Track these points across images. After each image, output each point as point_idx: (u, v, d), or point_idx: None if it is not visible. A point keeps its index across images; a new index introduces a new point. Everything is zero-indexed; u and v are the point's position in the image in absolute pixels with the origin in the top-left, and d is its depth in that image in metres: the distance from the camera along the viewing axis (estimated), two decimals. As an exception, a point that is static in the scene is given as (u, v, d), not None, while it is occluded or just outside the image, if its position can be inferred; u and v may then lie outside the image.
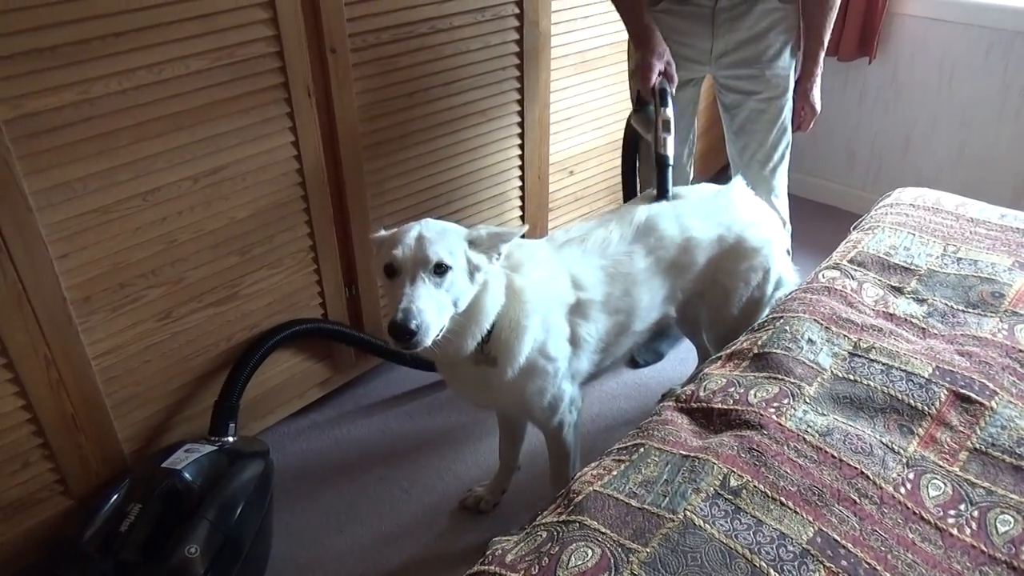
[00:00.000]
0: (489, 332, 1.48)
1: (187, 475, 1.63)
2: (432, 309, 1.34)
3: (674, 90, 1.89)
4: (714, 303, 1.87)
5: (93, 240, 1.59)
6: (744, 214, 1.82)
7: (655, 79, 1.85)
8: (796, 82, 2.07)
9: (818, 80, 2.06)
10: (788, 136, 2.15)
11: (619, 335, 1.70)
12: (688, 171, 2.33)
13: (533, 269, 1.55)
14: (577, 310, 1.60)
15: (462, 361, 1.51)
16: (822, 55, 2.03)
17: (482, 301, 1.45)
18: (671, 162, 1.78)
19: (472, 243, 1.44)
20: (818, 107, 2.08)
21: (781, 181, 2.24)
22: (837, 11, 2.00)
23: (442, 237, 1.39)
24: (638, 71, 1.90)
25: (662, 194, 1.80)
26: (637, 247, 1.67)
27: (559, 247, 1.65)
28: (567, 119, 2.54)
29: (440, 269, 1.36)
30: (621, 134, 2.38)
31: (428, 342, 1.34)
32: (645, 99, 1.88)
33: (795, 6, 1.99)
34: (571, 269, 1.60)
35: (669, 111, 1.81)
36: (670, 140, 1.79)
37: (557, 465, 1.77)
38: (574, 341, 1.61)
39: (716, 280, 1.82)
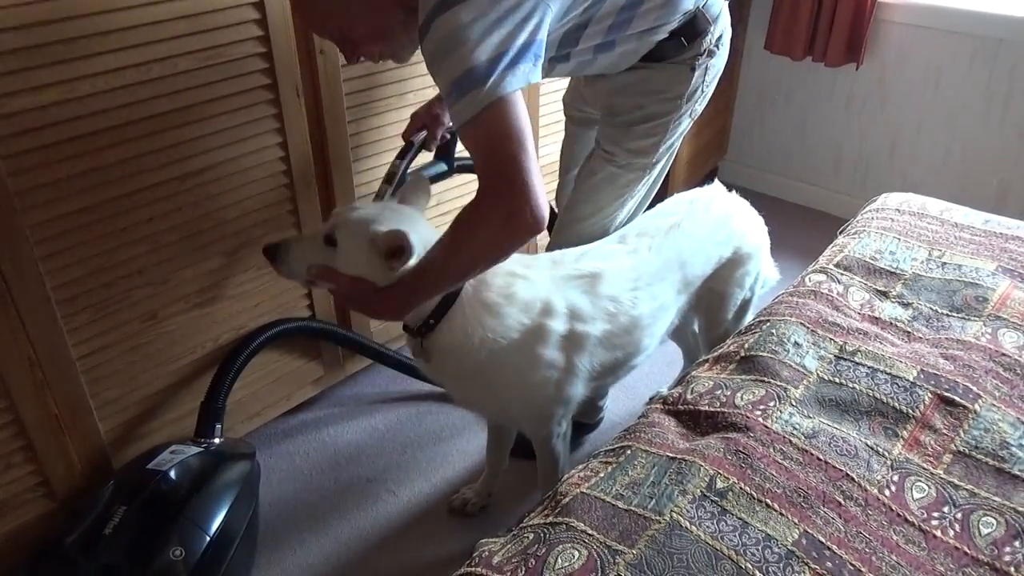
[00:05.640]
0: (432, 323, 1.45)
1: (172, 477, 1.62)
2: (299, 261, 1.45)
3: (429, 146, 1.79)
4: (710, 309, 1.87)
5: (78, 240, 1.58)
6: (737, 223, 1.82)
7: (415, 133, 1.76)
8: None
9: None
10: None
11: (618, 368, 1.67)
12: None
13: (515, 289, 1.48)
14: (572, 340, 1.53)
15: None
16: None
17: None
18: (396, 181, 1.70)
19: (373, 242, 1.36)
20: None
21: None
22: None
23: (356, 221, 1.41)
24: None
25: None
26: (643, 294, 1.62)
27: (564, 279, 1.55)
28: (556, 122, 2.53)
29: (329, 240, 1.42)
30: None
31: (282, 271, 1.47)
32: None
33: (667, 68, 1.60)
34: (569, 299, 1.53)
35: (401, 163, 1.73)
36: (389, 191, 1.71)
37: (544, 471, 1.76)
38: (567, 369, 1.55)
39: (712, 289, 1.82)
